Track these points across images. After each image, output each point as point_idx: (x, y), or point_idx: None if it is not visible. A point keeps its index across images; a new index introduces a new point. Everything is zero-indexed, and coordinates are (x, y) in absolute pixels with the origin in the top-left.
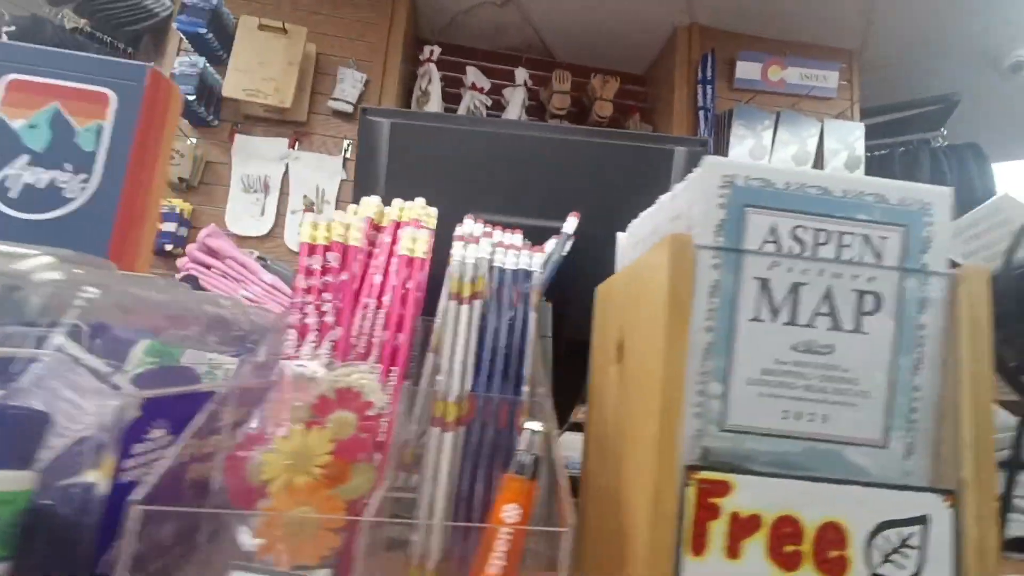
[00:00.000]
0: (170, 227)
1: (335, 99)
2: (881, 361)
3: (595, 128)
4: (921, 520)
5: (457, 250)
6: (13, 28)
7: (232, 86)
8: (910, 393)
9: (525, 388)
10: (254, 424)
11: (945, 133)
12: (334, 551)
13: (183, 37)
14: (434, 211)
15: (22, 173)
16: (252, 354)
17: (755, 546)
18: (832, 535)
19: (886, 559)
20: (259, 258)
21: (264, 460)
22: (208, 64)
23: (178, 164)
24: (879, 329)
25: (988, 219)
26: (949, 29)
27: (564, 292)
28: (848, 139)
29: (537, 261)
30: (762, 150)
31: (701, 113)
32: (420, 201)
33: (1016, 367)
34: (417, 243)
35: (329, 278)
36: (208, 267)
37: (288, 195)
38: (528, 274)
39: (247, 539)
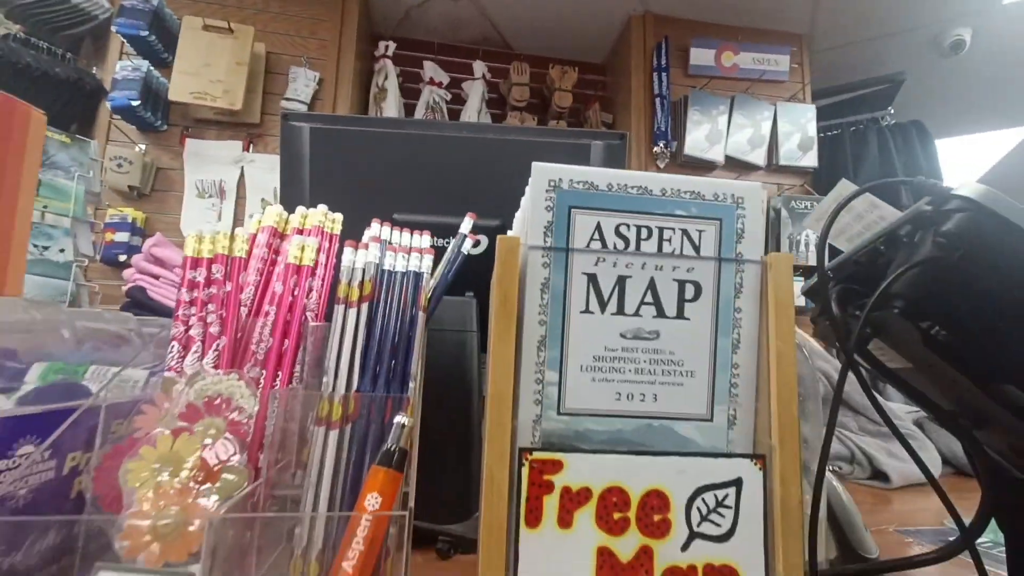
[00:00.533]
0: (123, 237)
1: (288, 99)
2: (703, 343)
3: (513, 126)
4: (735, 483)
5: (347, 256)
6: None
7: (179, 89)
8: (730, 371)
9: (412, 384)
10: (123, 437)
11: (892, 112)
12: (199, 546)
13: (124, 40)
14: (338, 216)
15: None
16: (129, 366)
17: (585, 516)
18: (655, 501)
19: (704, 518)
20: None
21: (129, 468)
22: (152, 67)
23: (127, 172)
24: (700, 314)
25: (835, 206)
26: (893, 11)
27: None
28: (800, 121)
29: (427, 263)
30: (718, 134)
31: (658, 100)
32: (322, 208)
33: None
34: (305, 251)
35: (213, 290)
36: (156, 277)
37: (245, 199)
38: (418, 276)
39: (118, 544)
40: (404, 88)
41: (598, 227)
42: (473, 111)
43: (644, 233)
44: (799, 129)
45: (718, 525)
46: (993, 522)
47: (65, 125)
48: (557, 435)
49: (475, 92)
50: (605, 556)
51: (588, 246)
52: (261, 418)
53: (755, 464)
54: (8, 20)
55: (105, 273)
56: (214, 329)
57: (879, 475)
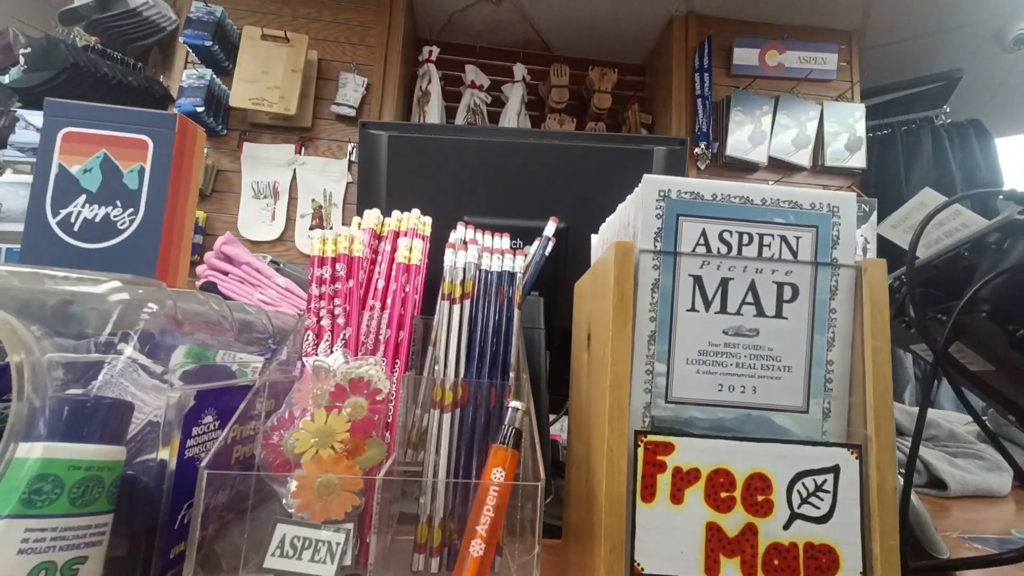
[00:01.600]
0: None
1: (338, 104)
2: (800, 340)
3: (580, 132)
4: (833, 470)
5: (448, 256)
6: (29, 50)
7: (239, 96)
8: (825, 366)
9: (511, 374)
10: (284, 410)
11: (948, 110)
12: (356, 508)
13: (189, 50)
14: (428, 220)
15: (81, 210)
16: (277, 353)
17: (695, 494)
18: (759, 483)
19: (804, 501)
20: (272, 262)
21: (296, 438)
22: (215, 75)
23: None
24: (797, 314)
25: (916, 213)
26: (952, 4)
27: (559, 287)
28: (848, 120)
29: (519, 263)
30: (761, 135)
31: (699, 101)
32: (415, 212)
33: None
34: (412, 252)
35: (338, 286)
36: (226, 273)
37: (296, 200)
38: (512, 275)
39: (287, 501)
40: (446, 91)
41: (703, 233)
42: (512, 113)
43: (746, 239)
44: (847, 129)
45: (817, 508)
46: None
47: None
48: (665, 421)
49: (515, 94)
50: (713, 531)
51: (694, 250)
52: (387, 400)
53: (851, 453)
54: (86, 32)
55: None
56: (340, 320)
57: (936, 483)
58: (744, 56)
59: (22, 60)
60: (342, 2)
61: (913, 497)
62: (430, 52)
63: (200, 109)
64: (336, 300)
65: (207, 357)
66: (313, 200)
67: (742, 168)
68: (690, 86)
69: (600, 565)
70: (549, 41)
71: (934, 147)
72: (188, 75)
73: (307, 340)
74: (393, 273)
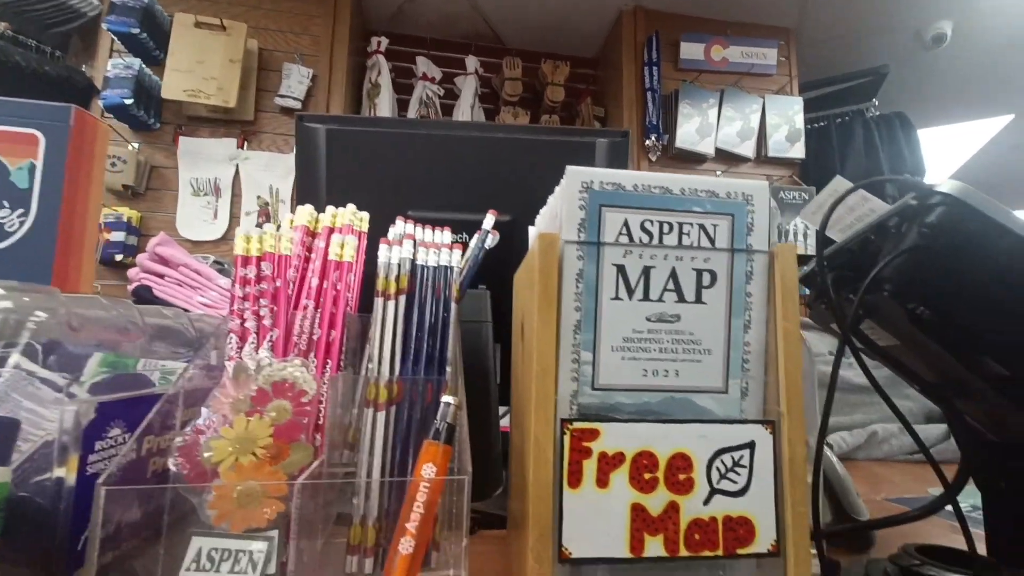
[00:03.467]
0: (119, 236)
1: (282, 96)
2: (718, 324)
3: (522, 125)
4: (749, 445)
5: (383, 252)
6: None
7: (172, 87)
8: (742, 348)
9: (448, 369)
10: (202, 418)
11: (876, 104)
12: (280, 515)
13: (115, 38)
14: (365, 215)
15: None
16: (194, 359)
17: (620, 477)
18: (680, 463)
19: (723, 476)
20: (215, 263)
21: (212, 446)
22: (144, 65)
23: (121, 171)
24: (715, 299)
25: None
26: (877, 5)
27: (507, 280)
28: (788, 113)
29: (456, 258)
30: (708, 127)
31: (649, 94)
32: (351, 207)
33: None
34: (345, 248)
35: (264, 285)
36: (161, 276)
37: (240, 197)
38: (449, 270)
39: (205, 513)
40: (397, 83)
41: (625, 223)
42: (466, 106)
43: (666, 228)
44: (787, 121)
45: (735, 482)
46: (972, 486)
47: None
48: (592, 408)
49: (468, 87)
50: (638, 511)
51: (617, 240)
52: (315, 402)
53: (766, 429)
54: None
55: (102, 273)
56: (267, 322)
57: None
58: (690, 51)
59: None
60: None
61: (837, 464)
62: (379, 43)
63: (129, 101)
64: (262, 301)
65: (125, 366)
66: (259, 197)
67: (691, 159)
68: (640, 80)
69: (528, 552)
70: (501, 33)
71: (865, 138)
72: (114, 64)
73: (230, 344)
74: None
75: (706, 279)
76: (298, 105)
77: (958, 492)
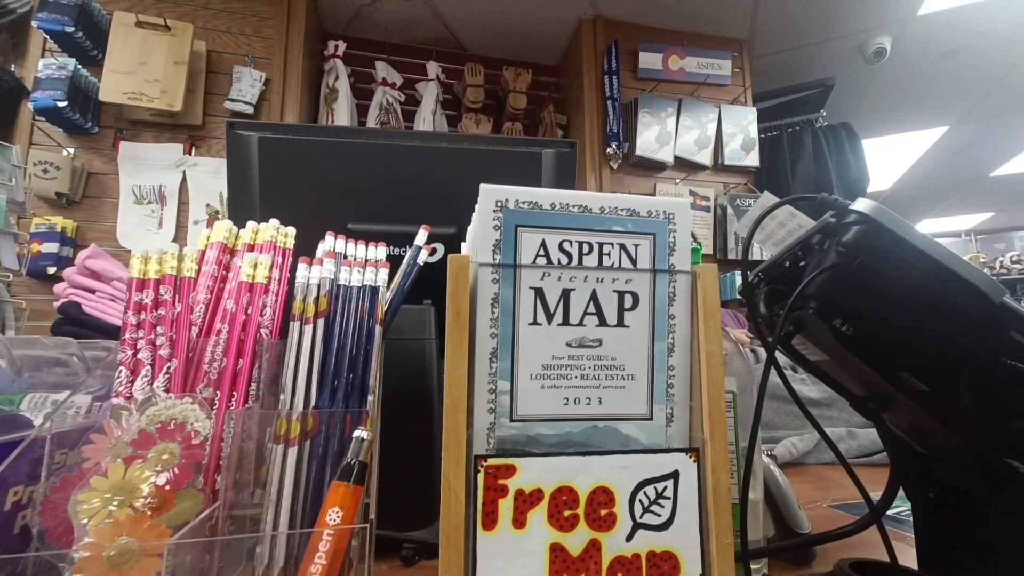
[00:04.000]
0: (51, 247)
1: (233, 100)
2: (642, 348)
3: (466, 135)
4: (673, 476)
5: (301, 272)
6: None
7: (110, 89)
8: (666, 372)
9: (370, 398)
10: (71, 466)
11: (824, 114)
12: (159, 575)
13: (47, 37)
14: (291, 231)
15: None
16: (76, 392)
17: (538, 516)
18: (602, 497)
19: (646, 510)
20: None
21: (79, 500)
22: (80, 65)
23: (54, 178)
24: (638, 322)
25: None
26: (822, 19)
27: None
28: (742, 123)
29: (383, 276)
30: (667, 136)
31: (609, 103)
32: (274, 222)
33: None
34: (257, 268)
35: (162, 311)
36: (92, 291)
37: (188, 204)
38: (374, 289)
39: None
40: (356, 89)
41: (543, 244)
42: (428, 112)
43: (586, 248)
44: (742, 130)
45: (658, 515)
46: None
47: None
48: (510, 441)
49: (429, 93)
50: (557, 552)
51: (534, 262)
52: (217, 440)
53: (690, 457)
54: None
55: (32, 287)
56: (164, 352)
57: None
58: (649, 60)
59: None
60: None
61: (779, 477)
62: (336, 47)
63: (62, 104)
64: (159, 329)
65: (9, 403)
66: (208, 205)
67: (651, 167)
68: (600, 88)
69: None
70: (462, 39)
71: (814, 147)
72: (46, 64)
73: (119, 378)
74: (237, 295)
75: (628, 301)
76: (250, 110)
77: (887, 506)
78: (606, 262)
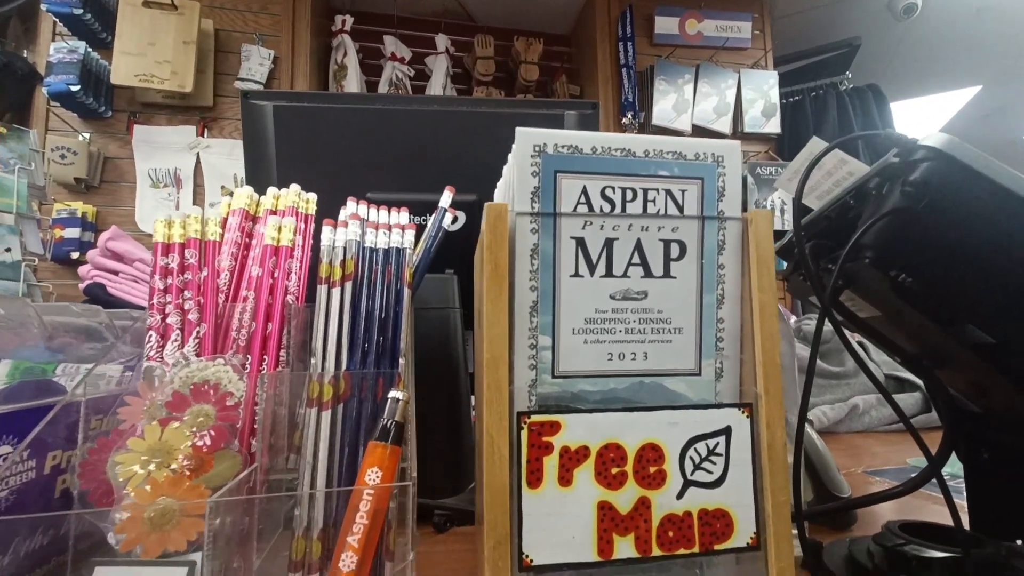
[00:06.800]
0: (73, 233)
1: (242, 79)
2: (690, 300)
3: (485, 98)
4: (725, 431)
5: (326, 235)
6: None
7: (121, 72)
8: (715, 325)
9: (401, 360)
10: (108, 429)
11: (850, 76)
12: (201, 535)
13: (56, 20)
14: (312, 196)
15: None
16: (107, 359)
17: (585, 473)
18: (651, 454)
19: (697, 467)
20: None
21: (119, 461)
22: (90, 49)
23: (72, 163)
24: (686, 272)
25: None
26: None
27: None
28: (763, 87)
29: (409, 239)
30: (684, 103)
31: (624, 71)
32: (295, 187)
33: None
34: (282, 232)
35: (188, 276)
36: (115, 273)
37: (203, 187)
38: (401, 252)
39: (116, 538)
40: (365, 64)
41: (584, 191)
42: (438, 87)
43: (629, 195)
44: (762, 96)
45: (710, 472)
46: (953, 457)
47: None
48: (553, 398)
49: (439, 67)
50: (605, 510)
51: (575, 210)
52: (250, 403)
53: (743, 412)
54: None
55: (57, 272)
56: (193, 316)
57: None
58: (665, 25)
59: None
60: None
61: (817, 441)
62: (343, 22)
63: (75, 88)
64: (186, 293)
65: (43, 372)
66: (223, 187)
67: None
68: (615, 56)
69: (485, 563)
70: (472, 10)
71: (839, 111)
72: (57, 48)
73: (149, 343)
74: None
75: (675, 251)
76: (260, 88)
77: (941, 465)
78: (651, 209)
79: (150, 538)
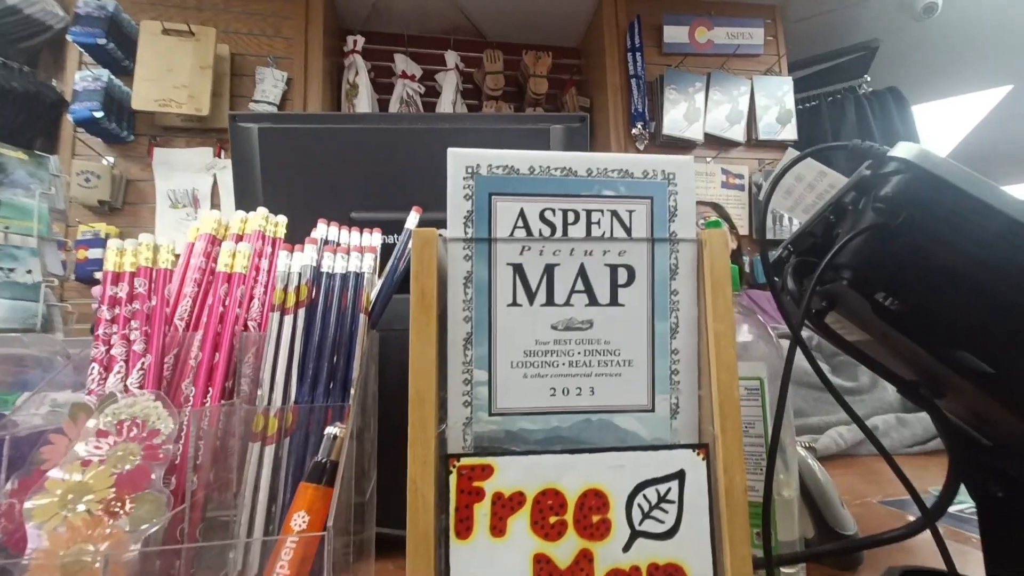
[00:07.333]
0: (96, 253)
1: (256, 101)
2: (640, 330)
3: (467, 115)
4: (677, 475)
5: (282, 260)
6: None
7: (142, 97)
8: (669, 357)
9: (353, 391)
10: (27, 468)
11: (869, 80)
12: None
13: (82, 50)
14: (282, 219)
15: None
16: (40, 389)
17: (520, 522)
18: (594, 501)
19: (646, 516)
20: None
21: (34, 504)
22: (113, 76)
23: (95, 186)
24: (635, 299)
25: (787, 177)
26: None
27: None
28: (777, 94)
29: (368, 263)
30: (696, 112)
31: (633, 81)
32: (262, 211)
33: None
34: (236, 258)
35: (136, 305)
36: None
37: (220, 206)
38: (359, 276)
39: None
40: (376, 83)
41: (521, 213)
42: (448, 103)
43: (571, 217)
44: (776, 102)
45: (661, 522)
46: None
47: (28, 141)
48: (489, 438)
49: (449, 83)
50: (543, 563)
51: (512, 235)
52: (187, 438)
53: (698, 454)
54: None
55: (82, 292)
56: (138, 347)
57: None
58: (674, 34)
59: None
60: None
61: (819, 472)
62: (355, 42)
63: (99, 115)
64: (133, 323)
65: (4, 403)
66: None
67: (680, 146)
68: (623, 67)
69: None
70: (481, 27)
71: (857, 116)
72: (82, 77)
73: (92, 375)
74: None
75: (622, 276)
76: (274, 110)
77: (943, 511)
78: (595, 232)
79: None
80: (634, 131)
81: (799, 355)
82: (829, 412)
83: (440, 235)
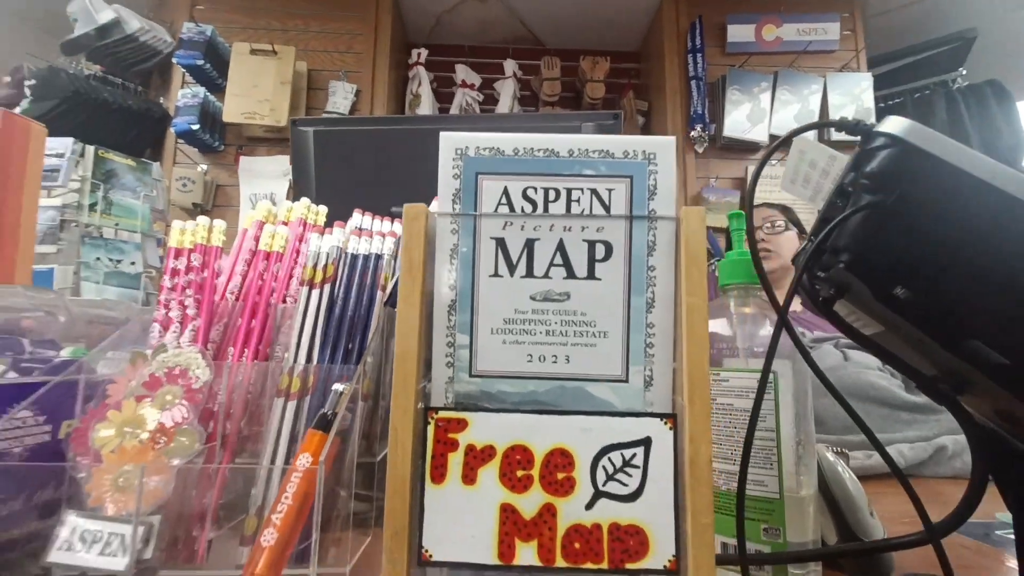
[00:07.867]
0: None
1: (328, 112)
2: (615, 303)
3: (510, 114)
4: (643, 442)
5: (312, 241)
6: (33, 82)
7: (231, 111)
8: (645, 330)
9: (369, 359)
10: (96, 402)
11: (964, 73)
12: (161, 499)
13: (184, 71)
14: (322, 209)
15: None
16: (114, 345)
17: (489, 473)
18: (559, 460)
19: (610, 478)
20: None
21: (99, 429)
22: (208, 93)
23: (191, 191)
24: (611, 274)
25: (801, 164)
26: None
27: None
28: (854, 91)
29: (388, 245)
30: (761, 113)
31: (693, 83)
32: (304, 201)
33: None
34: (275, 239)
35: (192, 276)
36: None
37: None
38: (379, 257)
39: (90, 495)
40: (438, 93)
41: (505, 191)
42: (505, 109)
43: (552, 195)
44: (853, 100)
45: (625, 485)
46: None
47: (140, 151)
48: (470, 396)
49: (506, 91)
50: (508, 512)
51: (496, 211)
52: (228, 391)
53: (665, 424)
54: (89, 61)
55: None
56: (191, 311)
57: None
58: (739, 33)
59: (28, 92)
60: (329, 12)
61: (847, 477)
62: (419, 55)
63: (196, 127)
64: (188, 291)
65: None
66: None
67: (742, 148)
68: (683, 69)
69: (383, 553)
70: (539, 35)
71: (949, 113)
72: (183, 94)
73: (152, 333)
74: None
75: (600, 251)
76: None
77: (958, 524)
78: (575, 209)
79: (113, 497)
80: (692, 134)
81: (855, 369)
82: (897, 430)
83: (429, 210)
